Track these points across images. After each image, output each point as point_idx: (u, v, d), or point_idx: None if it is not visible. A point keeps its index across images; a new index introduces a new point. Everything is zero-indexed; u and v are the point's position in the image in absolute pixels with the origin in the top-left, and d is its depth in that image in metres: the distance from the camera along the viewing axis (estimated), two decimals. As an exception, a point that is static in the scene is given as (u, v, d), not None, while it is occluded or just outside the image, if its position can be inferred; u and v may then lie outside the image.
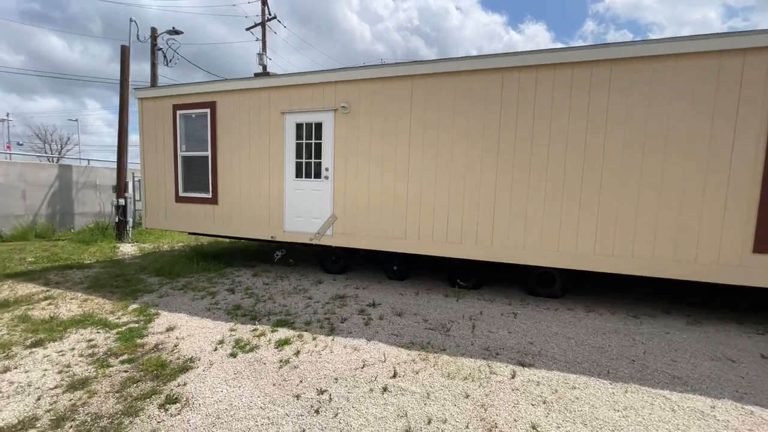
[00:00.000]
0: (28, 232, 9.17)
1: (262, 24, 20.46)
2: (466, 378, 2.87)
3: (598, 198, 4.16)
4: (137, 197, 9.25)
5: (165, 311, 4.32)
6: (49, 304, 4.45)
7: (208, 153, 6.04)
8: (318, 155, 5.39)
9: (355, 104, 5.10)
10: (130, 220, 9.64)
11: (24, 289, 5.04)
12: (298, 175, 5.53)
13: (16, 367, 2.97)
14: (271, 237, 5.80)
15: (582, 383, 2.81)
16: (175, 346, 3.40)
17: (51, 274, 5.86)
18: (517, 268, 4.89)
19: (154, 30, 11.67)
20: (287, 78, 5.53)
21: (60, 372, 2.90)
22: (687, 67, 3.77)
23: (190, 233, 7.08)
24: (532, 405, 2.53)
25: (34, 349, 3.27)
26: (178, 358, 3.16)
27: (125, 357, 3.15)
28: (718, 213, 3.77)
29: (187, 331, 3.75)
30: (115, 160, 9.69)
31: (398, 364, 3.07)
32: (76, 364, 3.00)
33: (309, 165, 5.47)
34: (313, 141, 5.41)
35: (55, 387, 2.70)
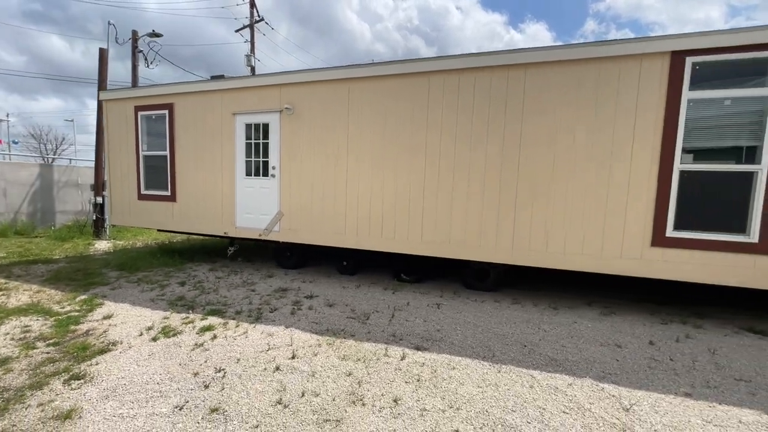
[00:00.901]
0: (7, 229, 9.47)
1: (251, 26, 20.79)
2: (358, 360, 3.11)
3: (514, 197, 4.38)
4: (113, 195, 9.53)
5: (111, 302, 4.58)
6: (2, 294, 4.73)
7: (167, 152, 6.31)
8: (266, 154, 5.64)
9: (298, 106, 5.34)
10: (107, 217, 9.93)
11: (-16, 281, 5.32)
12: (248, 173, 5.78)
13: (-50, 349, 3.24)
14: (224, 233, 6.06)
15: (463, 365, 3.05)
16: (105, 331, 3.66)
17: (16, 268, 6.14)
18: (459, 263, 5.12)
19: (134, 32, 11.96)
20: (237, 81, 5.79)
21: (-12, 353, 3.17)
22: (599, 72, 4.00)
23: (159, 230, 7.36)
24: (406, 382, 2.77)
25: (-28, 334, 3.54)
26: (102, 342, 3.42)
27: (53, 341, 3.42)
28: (620, 211, 3.99)
29: (122, 318, 4.01)
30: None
31: (302, 347, 3.32)
32: (3, 347, 3.27)
33: (258, 164, 5.73)
34: (261, 141, 5.66)
35: (-21, 366, 2.97)
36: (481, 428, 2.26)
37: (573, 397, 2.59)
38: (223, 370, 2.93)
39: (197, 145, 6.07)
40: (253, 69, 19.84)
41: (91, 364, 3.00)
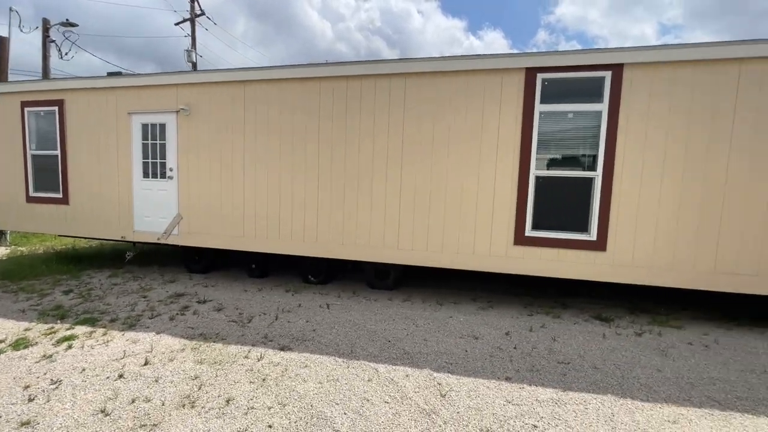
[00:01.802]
0: None
1: (191, 20, 19.87)
2: (214, 363, 3.13)
3: (399, 200, 4.61)
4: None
5: (-29, 314, 4.22)
6: None
7: (58, 152, 5.91)
8: (163, 155, 5.46)
9: (194, 106, 5.23)
10: None
11: None
12: (146, 175, 5.57)
13: None
14: (122, 237, 5.79)
15: (317, 362, 3.17)
16: (-56, 346, 3.38)
17: None
18: (365, 263, 5.24)
19: (45, 21, 11.02)
20: (133, 79, 5.56)
21: None
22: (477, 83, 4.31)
23: (59, 235, 6.85)
24: (250, 383, 2.83)
25: None
26: (-65, 358, 3.16)
27: None
28: (489, 214, 4.33)
29: (-27, 332, 3.72)
30: None
31: (161, 354, 3.28)
32: None
33: (155, 165, 5.53)
34: (158, 141, 5.48)
35: None
36: (295, 422, 2.38)
37: (402, 388, 2.79)
38: (61, 381, 2.82)
39: (91, 145, 5.74)
40: (194, 65, 19.02)
41: None
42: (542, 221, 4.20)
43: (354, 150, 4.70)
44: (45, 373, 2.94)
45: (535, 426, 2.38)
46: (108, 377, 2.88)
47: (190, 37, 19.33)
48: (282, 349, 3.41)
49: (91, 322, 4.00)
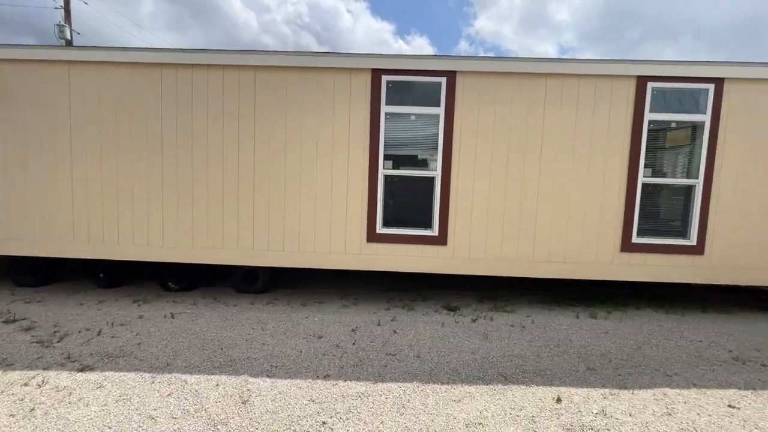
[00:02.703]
0: None
1: (65, -9, 17.02)
2: (-26, 396, 2.60)
3: (252, 198, 4.40)
4: None
5: None
6: None
7: None
8: (-37, 147, 4.48)
9: (11, 88, 4.38)
10: None
11: None
12: (-61, 170, 4.51)
13: None
14: None
15: (117, 380, 2.81)
16: None
17: None
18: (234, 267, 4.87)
19: None
20: None
21: None
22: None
23: None
24: (10, 415, 2.39)
25: None
26: None
27: None
28: (342, 211, 4.36)
29: None
30: None
31: None
32: None
33: (-48, 158, 4.51)
34: (-44, 129, 4.48)
35: None
36: (39, 456, 2.05)
37: (203, 399, 2.60)
38: None
39: None
40: (68, 42, 16.30)
41: None
42: (392, 219, 4.36)
43: (202, 144, 4.37)
44: None
45: (324, 423, 2.38)
46: None
47: (63, 10, 16.50)
48: (81, 369, 2.97)
49: None
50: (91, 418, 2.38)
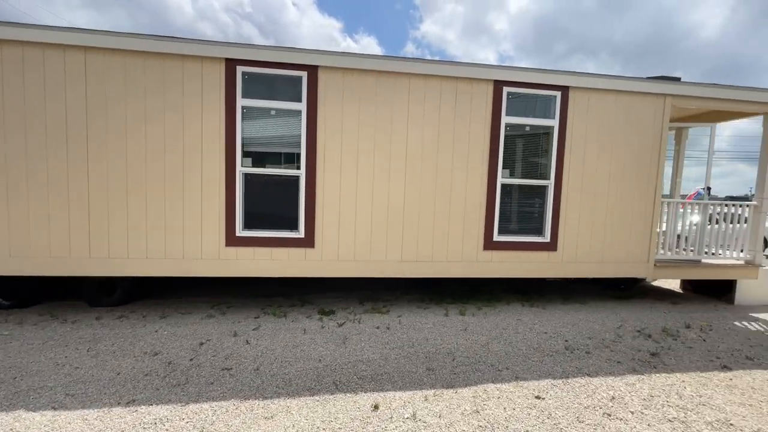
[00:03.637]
0: None
1: None
2: None
3: (87, 198, 3.86)
4: None
5: None
6: None
7: None
8: None
9: None
10: None
11: None
12: None
13: None
14: None
15: None
16: None
17: None
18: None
19: None
20: None
21: None
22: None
23: None
24: None
25: None
26: None
27: None
28: (197, 214, 3.98)
29: None
30: None
31: None
32: None
33: None
34: None
35: None
36: None
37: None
38: None
39: None
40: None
41: None
42: (254, 220, 4.08)
43: (20, 137, 3.71)
44: None
45: (87, 462, 2.05)
46: None
47: None
48: None
49: None
50: None
